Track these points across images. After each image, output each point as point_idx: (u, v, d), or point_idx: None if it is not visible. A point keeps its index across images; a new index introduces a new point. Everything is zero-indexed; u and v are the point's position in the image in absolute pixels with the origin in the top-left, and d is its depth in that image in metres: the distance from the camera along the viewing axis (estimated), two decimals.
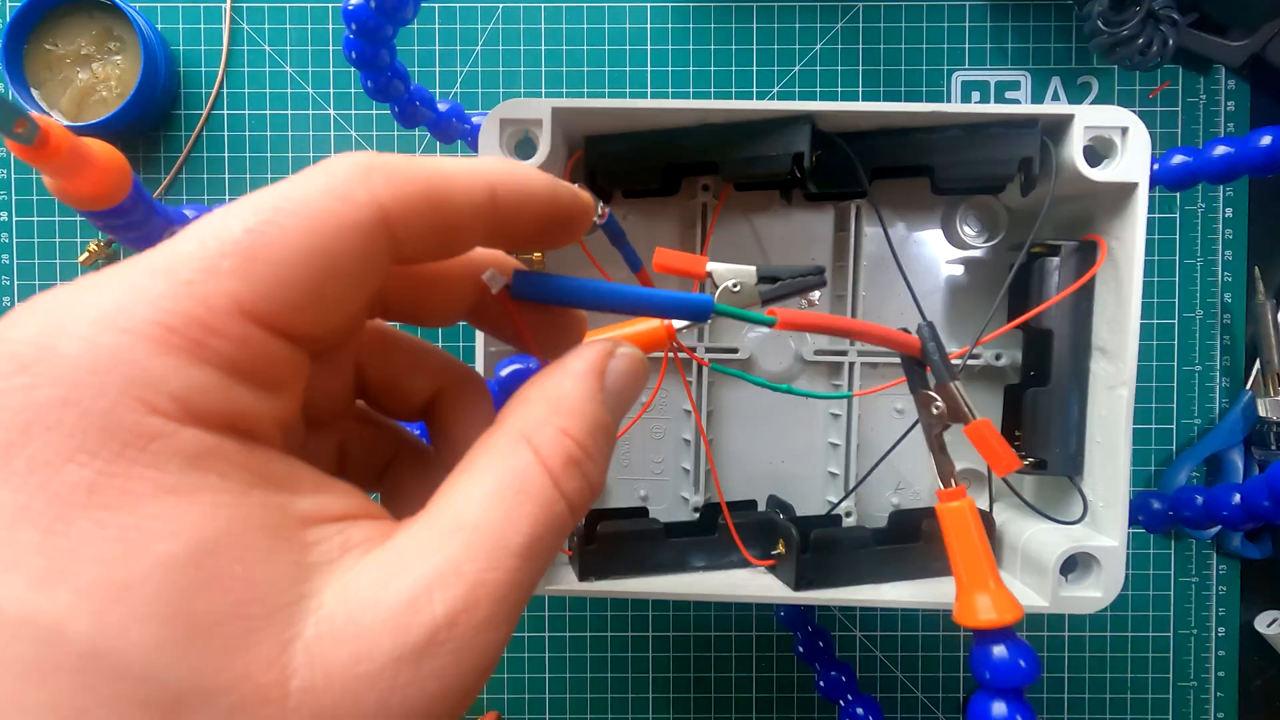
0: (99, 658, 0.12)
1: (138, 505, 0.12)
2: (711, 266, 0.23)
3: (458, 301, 0.20)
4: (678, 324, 0.23)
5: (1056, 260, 0.38)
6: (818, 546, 0.37)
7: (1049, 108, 0.36)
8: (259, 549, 0.13)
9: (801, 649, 0.49)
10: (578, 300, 0.19)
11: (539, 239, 0.19)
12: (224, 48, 0.50)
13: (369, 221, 0.15)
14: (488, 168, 0.17)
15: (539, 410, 0.17)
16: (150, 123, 0.50)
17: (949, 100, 0.50)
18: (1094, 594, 0.36)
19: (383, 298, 0.19)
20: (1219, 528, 0.48)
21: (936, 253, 0.44)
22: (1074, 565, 0.36)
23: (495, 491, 0.15)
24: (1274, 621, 0.50)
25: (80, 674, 0.12)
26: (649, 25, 0.50)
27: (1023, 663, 0.27)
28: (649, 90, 0.50)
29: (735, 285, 0.23)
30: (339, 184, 0.15)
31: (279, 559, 0.13)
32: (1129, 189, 0.35)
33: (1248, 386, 0.49)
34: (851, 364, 0.43)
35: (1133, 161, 0.35)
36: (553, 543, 0.16)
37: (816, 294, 0.24)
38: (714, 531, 0.40)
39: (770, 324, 0.22)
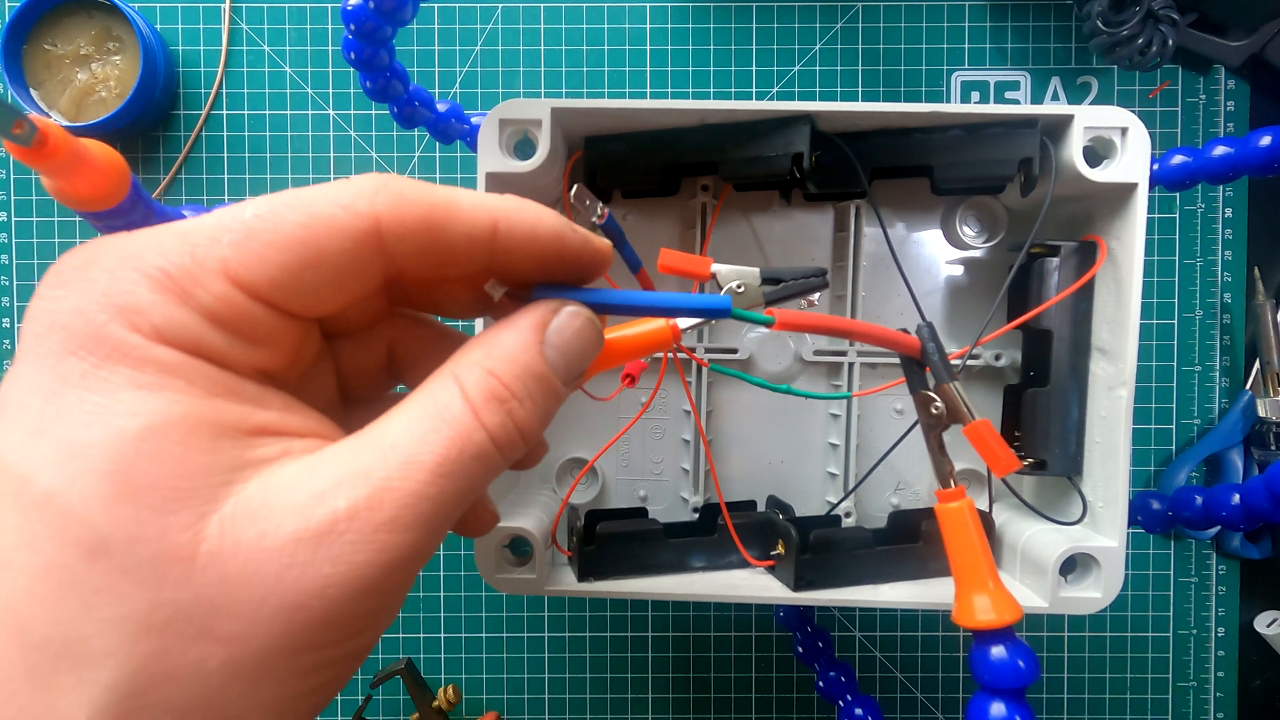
0: (54, 499, 0.15)
1: (113, 391, 0.15)
2: (716, 268, 0.23)
3: (468, 302, 0.21)
4: (683, 323, 0.24)
5: (1056, 260, 0.38)
6: (817, 547, 0.37)
7: (1049, 108, 0.36)
8: (201, 438, 0.16)
9: (801, 649, 0.49)
10: (601, 308, 0.20)
11: (546, 277, 0.20)
12: (224, 48, 0.50)
13: (361, 230, 0.17)
14: (495, 204, 0.18)
15: (473, 354, 0.19)
16: (150, 123, 0.50)
17: (949, 100, 0.50)
18: (1093, 594, 0.36)
19: (403, 291, 0.21)
20: (1218, 528, 0.48)
21: (936, 253, 0.44)
22: (1073, 566, 0.36)
23: (417, 418, 0.17)
24: (1274, 621, 0.50)
25: (39, 509, 0.15)
26: (649, 25, 0.50)
27: (1022, 663, 0.27)
28: (649, 90, 0.50)
29: (739, 286, 0.23)
30: (347, 194, 0.17)
31: (218, 450, 0.16)
32: (1129, 189, 0.35)
33: (1247, 387, 0.49)
34: (851, 364, 0.43)
35: (1132, 162, 0.35)
36: (471, 468, 0.17)
37: (816, 294, 0.24)
38: (713, 532, 0.40)
39: (768, 324, 0.22)
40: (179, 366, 0.16)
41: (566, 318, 0.19)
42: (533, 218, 0.19)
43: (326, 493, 0.16)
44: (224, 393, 0.16)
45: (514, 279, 0.20)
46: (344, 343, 0.21)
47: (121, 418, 0.15)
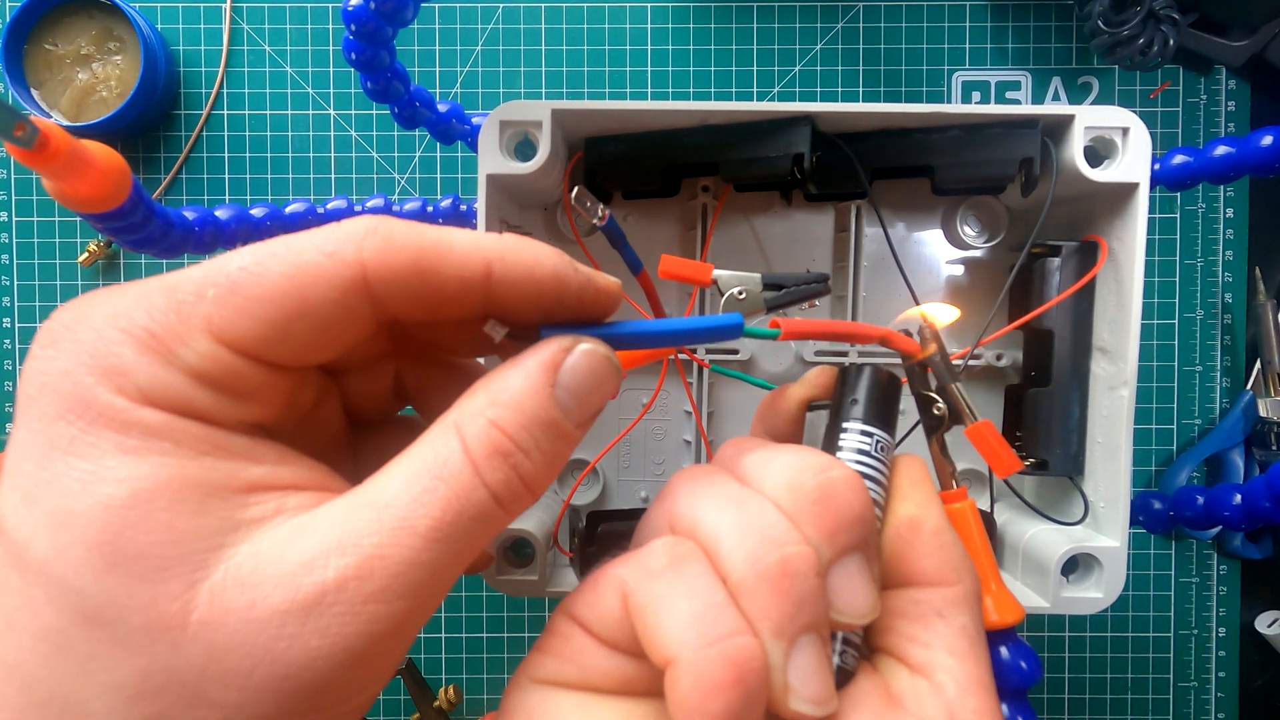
0: (48, 567, 0.15)
1: (100, 457, 0.15)
2: (717, 274, 0.23)
3: (471, 343, 0.21)
4: None
5: (1057, 261, 0.38)
6: None
7: (1049, 108, 0.36)
8: (188, 502, 0.15)
9: None
10: (611, 341, 0.19)
11: (548, 318, 0.19)
12: (224, 48, 0.50)
13: (347, 278, 0.16)
14: (490, 244, 0.18)
15: (478, 401, 0.17)
16: (150, 123, 0.50)
17: (949, 100, 0.50)
18: (1095, 594, 0.36)
19: (404, 332, 0.21)
20: (1219, 528, 0.48)
21: (937, 253, 0.43)
22: (1075, 566, 0.36)
23: (414, 474, 0.16)
24: (1274, 621, 0.50)
25: (36, 575, 0.15)
26: (649, 25, 0.50)
27: (1024, 664, 0.27)
28: (649, 91, 0.50)
29: (741, 292, 0.23)
30: (334, 242, 0.16)
31: (207, 512, 0.16)
32: (1130, 189, 0.35)
33: (1248, 387, 0.49)
34: (853, 364, 0.43)
35: (1133, 162, 0.35)
36: (469, 529, 0.16)
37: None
38: None
39: (775, 337, 0.22)
40: (165, 428, 0.16)
41: (581, 356, 0.18)
42: (529, 258, 0.18)
43: (315, 561, 0.15)
44: (213, 451, 0.16)
45: (515, 321, 0.19)
46: (349, 376, 0.21)
47: (108, 485, 0.15)
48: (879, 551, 0.20)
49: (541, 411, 0.17)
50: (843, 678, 0.20)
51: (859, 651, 0.21)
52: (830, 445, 0.23)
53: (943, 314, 0.25)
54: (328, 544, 0.16)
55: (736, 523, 0.18)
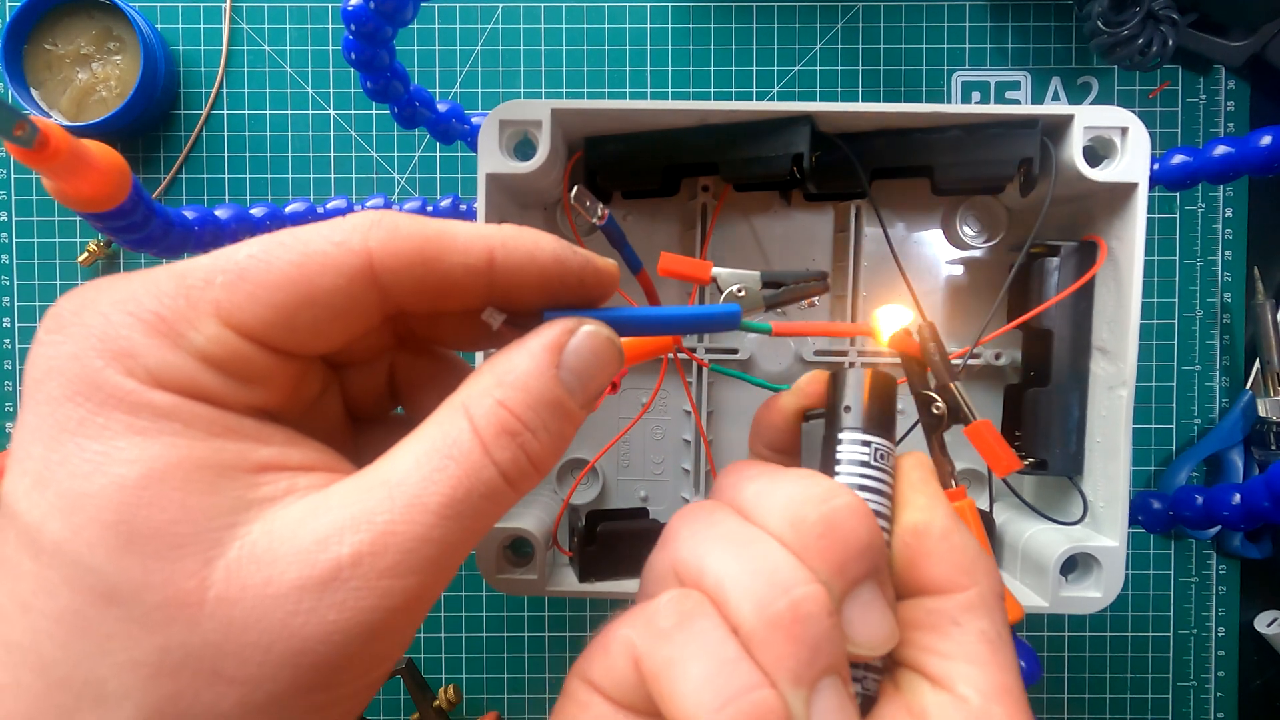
0: (63, 548, 0.15)
1: (111, 438, 0.15)
2: (716, 271, 0.23)
3: (473, 334, 0.21)
4: None
5: (1056, 260, 0.38)
6: None
7: (1049, 108, 0.36)
8: (200, 481, 0.16)
9: None
10: (614, 329, 0.19)
11: (550, 302, 0.19)
12: (224, 48, 0.50)
13: (354, 267, 0.17)
14: (491, 232, 0.18)
15: (484, 382, 0.18)
16: (150, 123, 0.50)
17: (949, 100, 0.50)
18: (1094, 594, 0.36)
19: (407, 325, 0.21)
20: (1219, 528, 0.48)
21: (936, 253, 0.44)
22: (1074, 565, 0.36)
23: (424, 454, 0.17)
24: (1274, 621, 0.50)
25: (51, 557, 0.15)
26: (649, 25, 0.50)
27: (1023, 663, 0.27)
28: (649, 91, 0.50)
29: (740, 290, 0.23)
30: (341, 232, 0.17)
31: (219, 491, 0.16)
32: (1129, 189, 0.35)
33: (1248, 386, 0.49)
34: (851, 364, 0.43)
35: (1132, 161, 0.35)
36: (479, 507, 0.17)
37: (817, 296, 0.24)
38: None
39: (767, 331, 0.22)
40: (174, 409, 0.16)
41: (584, 338, 0.18)
42: (530, 243, 0.18)
43: (330, 537, 0.16)
44: (222, 432, 0.16)
45: (518, 308, 0.19)
46: (349, 370, 0.21)
47: (120, 466, 0.15)
48: (890, 571, 0.20)
49: (547, 392, 0.18)
50: (866, 704, 0.19)
51: (880, 674, 0.20)
52: (828, 458, 0.22)
53: (900, 317, 0.25)
54: (341, 521, 0.16)
55: (742, 568, 0.18)
